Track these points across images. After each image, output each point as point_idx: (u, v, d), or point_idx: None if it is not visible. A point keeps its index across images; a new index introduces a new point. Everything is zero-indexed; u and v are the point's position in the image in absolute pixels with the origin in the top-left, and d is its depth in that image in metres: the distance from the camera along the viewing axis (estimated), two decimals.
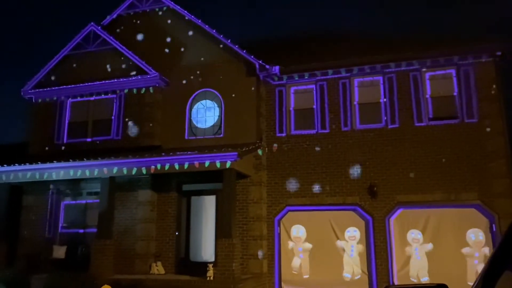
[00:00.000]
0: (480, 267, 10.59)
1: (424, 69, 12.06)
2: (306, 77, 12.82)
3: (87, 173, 11.96)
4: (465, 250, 10.89)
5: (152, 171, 11.45)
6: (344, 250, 11.79)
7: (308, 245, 12.13)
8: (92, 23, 14.44)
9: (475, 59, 11.61)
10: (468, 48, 11.58)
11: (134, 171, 11.57)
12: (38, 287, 10.92)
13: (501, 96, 11.39)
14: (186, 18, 13.95)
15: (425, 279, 10.99)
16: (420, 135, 11.66)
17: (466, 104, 11.54)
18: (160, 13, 14.41)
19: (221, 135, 12.82)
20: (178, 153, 11.31)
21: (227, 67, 13.13)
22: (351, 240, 11.83)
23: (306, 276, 11.96)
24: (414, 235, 11.36)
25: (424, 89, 12.00)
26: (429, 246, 11.14)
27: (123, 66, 13.73)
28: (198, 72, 13.38)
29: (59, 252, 12.95)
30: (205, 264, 11.23)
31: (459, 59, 11.68)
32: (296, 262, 12.15)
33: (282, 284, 12.05)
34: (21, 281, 10.88)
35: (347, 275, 11.65)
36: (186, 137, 13.16)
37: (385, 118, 12.08)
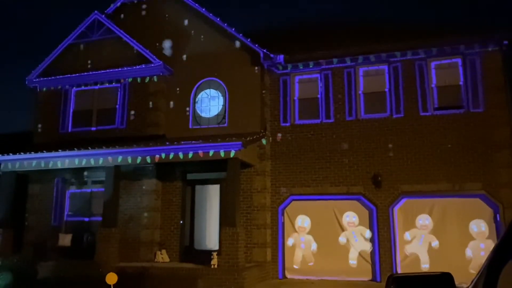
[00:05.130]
0: (484, 256, 10.61)
1: (429, 58, 11.96)
2: (310, 66, 12.75)
3: (92, 162, 12.02)
4: (469, 240, 10.90)
5: (156, 160, 11.50)
6: (347, 240, 11.83)
7: (312, 234, 12.17)
8: (96, 11, 14.38)
9: (482, 48, 11.49)
10: (474, 37, 11.46)
11: (138, 160, 11.62)
12: (44, 274, 11.04)
13: (508, 85, 11.30)
14: (191, 6, 13.87)
15: (425, 266, 11.03)
16: (425, 124, 11.61)
17: (472, 93, 11.46)
18: (164, 1, 14.32)
19: (225, 125, 12.82)
20: (182, 142, 11.35)
21: (232, 56, 13.07)
22: (351, 227, 11.86)
23: (309, 264, 12.03)
24: (422, 221, 11.36)
25: (430, 79, 11.92)
26: (435, 242, 11.13)
27: (127, 55, 13.69)
28: (202, 61, 13.33)
29: (65, 240, 13.08)
30: (209, 253, 11.31)
31: (465, 48, 11.57)
32: (299, 251, 12.21)
33: (286, 272, 12.13)
34: (28, 268, 10.98)
35: (352, 261, 11.70)
36: (190, 126, 13.17)
37: (390, 107, 12.02)
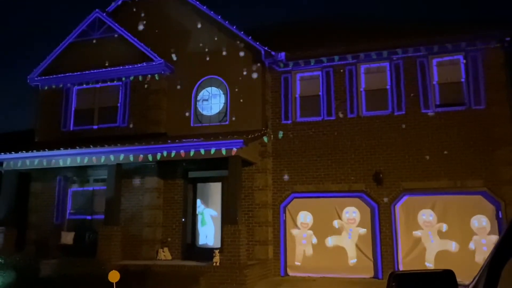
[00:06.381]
0: (486, 253, 10.61)
1: (431, 55, 11.93)
2: (312, 64, 12.74)
3: (94, 160, 12.05)
4: (471, 237, 10.89)
5: (158, 158, 11.51)
6: (346, 233, 11.83)
7: (313, 232, 12.18)
8: (97, 10, 14.38)
9: (483, 45, 11.46)
10: (476, 34, 11.43)
11: (140, 158, 11.64)
12: (46, 272, 11.07)
13: (509, 82, 11.27)
14: (192, 4, 13.85)
15: (429, 265, 11.04)
16: (427, 122, 11.60)
17: (473, 90, 11.43)
18: None
19: (227, 122, 12.82)
20: (184, 140, 11.35)
21: (233, 54, 13.05)
22: (351, 223, 11.87)
23: (311, 262, 12.04)
24: (425, 216, 11.35)
25: (431, 76, 11.90)
26: (444, 227, 11.12)
27: (129, 53, 13.69)
28: (203, 59, 13.32)
29: (67, 238, 13.12)
30: (211, 250, 11.33)
31: (467, 45, 11.54)
32: (301, 248, 12.22)
33: (288, 269, 12.15)
34: (30, 266, 11.02)
35: (353, 259, 11.72)
36: (191, 124, 13.17)
37: (392, 105, 12.00)
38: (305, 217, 12.34)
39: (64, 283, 10.16)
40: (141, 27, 14.09)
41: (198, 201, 13.04)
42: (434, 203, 11.35)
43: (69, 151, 12.14)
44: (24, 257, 11.37)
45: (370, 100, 12.26)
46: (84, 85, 14.35)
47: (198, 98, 13.38)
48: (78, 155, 12.16)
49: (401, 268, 11.25)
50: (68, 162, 12.30)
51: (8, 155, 12.70)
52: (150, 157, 11.57)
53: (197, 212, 13.03)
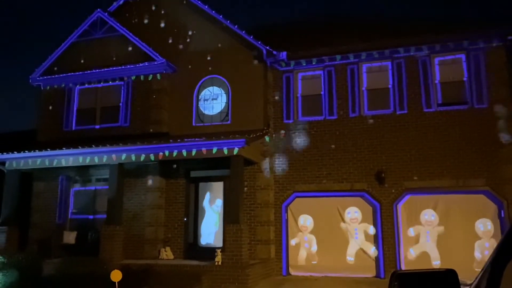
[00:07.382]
0: (488, 253, 10.59)
1: (433, 54, 11.91)
2: (313, 63, 12.72)
3: (96, 159, 12.07)
4: (473, 236, 10.87)
5: (160, 158, 11.52)
6: (348, 232, 11.83)
7: (315, 231, 12.17)
8: (98, 9, 14.39)
9: (486, 43, 11.43)
10: (478, 33, 11.40)
11: (142, 157, 11.65)
12: (49, 271, 11.09)
13: None
14: (193, 4, 13.84)
15: (436, 263, 11.02)
16: (429, 121, 11.58)
17: (476, 89, 11.41)
18: None
19: (229, 122, 12.82)
20: (186, 139, 11.36)
21: (234, 53, 13.05)
22: (353, 223, 11.86)
23: (313, 262, 12.04)
24: (427, 216, 11.34)
25: (433, 75, 11.88)
26: (441, 228, 11.13)
27: (130, 52, 13.69)
28: (205, 58, 13.31)
29: (70, 237, 13.14)
30: (213, 249, 11.34)
31: (469, 43, 11.52)
32: (303, 247, 12.21)
33: (290, 269, 12.14)
34: (33, 265, 11.04)
35: (355, 258, 11.70)
36: (193, 124, 13.18)
37: (394, 104, 11.99)
38: (307, 216, 12.32)
39: (66, 282, 10.18)
40: (143, 27, 14.09)
41: (218, 200, 12.95)
42: (437, 202, 11.33)
43: (71, 150, 12.16)
44: (27, 256, 11.38)
45: (372, 99, 12.25)
46: (86, 85, 14.36)
47: (200, 97, 13.38)
48: (80, 154, 12.18)
49: (403, 267, 11.23)
50: (70, 161, 12.33)
51: (10, 155, 12.73)
52: (152, 157, 11.58)
53: (203, 211, 13.00)
